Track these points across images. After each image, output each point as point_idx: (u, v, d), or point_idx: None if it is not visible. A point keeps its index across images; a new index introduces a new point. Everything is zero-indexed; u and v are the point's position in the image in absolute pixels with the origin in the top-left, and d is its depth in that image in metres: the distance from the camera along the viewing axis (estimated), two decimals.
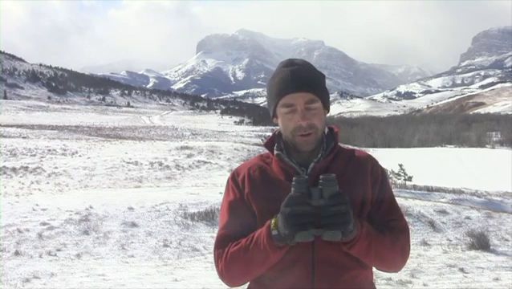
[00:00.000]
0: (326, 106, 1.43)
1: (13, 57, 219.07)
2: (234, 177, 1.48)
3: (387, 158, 25.74)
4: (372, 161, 1.48)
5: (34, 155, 24.84)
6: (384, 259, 1.39)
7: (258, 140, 45.04)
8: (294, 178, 1.26)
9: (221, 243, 1.40)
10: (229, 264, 1.36)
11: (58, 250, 7.93)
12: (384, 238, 1.36)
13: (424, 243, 8.84)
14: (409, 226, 1.51)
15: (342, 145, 1.51)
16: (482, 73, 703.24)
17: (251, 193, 1.42)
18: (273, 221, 1.29)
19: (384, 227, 1.39)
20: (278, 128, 1.48)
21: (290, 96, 1.36)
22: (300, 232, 1.23)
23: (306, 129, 1.36)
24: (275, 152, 1.44)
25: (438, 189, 18.09)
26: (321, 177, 1.26)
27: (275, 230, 1.27)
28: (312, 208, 1.23)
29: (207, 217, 10.01)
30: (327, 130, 1.47)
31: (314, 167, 1.39)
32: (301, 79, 1.37)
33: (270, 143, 1.48)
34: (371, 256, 1.35)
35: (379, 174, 1.46)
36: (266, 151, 1.50)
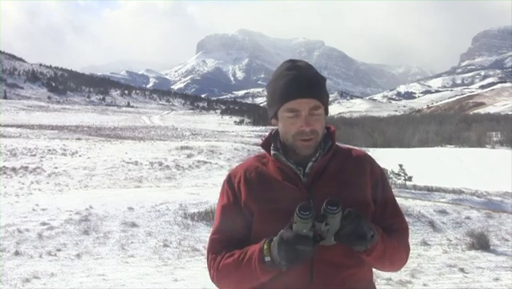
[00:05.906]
0: (326, 110, 1.44)
1: (13, 57, 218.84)
2: (230, 179, 1.49)
3: (387, 158, 25.74)
4: (370, 161, 1.49)
5: (34, 155, 24.84)
6: (395, 262, 1.42)
7: (258, 140, 44.67)
8: (297, 211, 1.20)
9: (214, 248, 1.43)
10: (220, 275, 1.39)
11: (58, 250, 7.93)
12: (392, 241, 1.38)
13: (424, 243, 8.83)
14: (409, 226, 1.52)
15: (339, 144, 1.52)
16: (482, 73, 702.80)
17: (249, 195, 1.42)
18: (265, 246, 1.27)
19: (390, 229, 1.41)
20: (275, 127, 1.48)
21: (295, 102, 1.36)
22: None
23: (308, 134, 1.36)
24: (272, 152, 1.45)
25: (438, 189, 18.10)
26: (325, 208, 1.21)
27: (268, 257, 1.26)
28: (314, 244, 1.22)
29: (207, 217, 10.01)
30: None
31: (313, 166, 1.40)
32: (307, 85, 1.37)
33: (266, 143, 1.48)
34: (385, 260, 1.37)
35: (378, 175, 1.47)
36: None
